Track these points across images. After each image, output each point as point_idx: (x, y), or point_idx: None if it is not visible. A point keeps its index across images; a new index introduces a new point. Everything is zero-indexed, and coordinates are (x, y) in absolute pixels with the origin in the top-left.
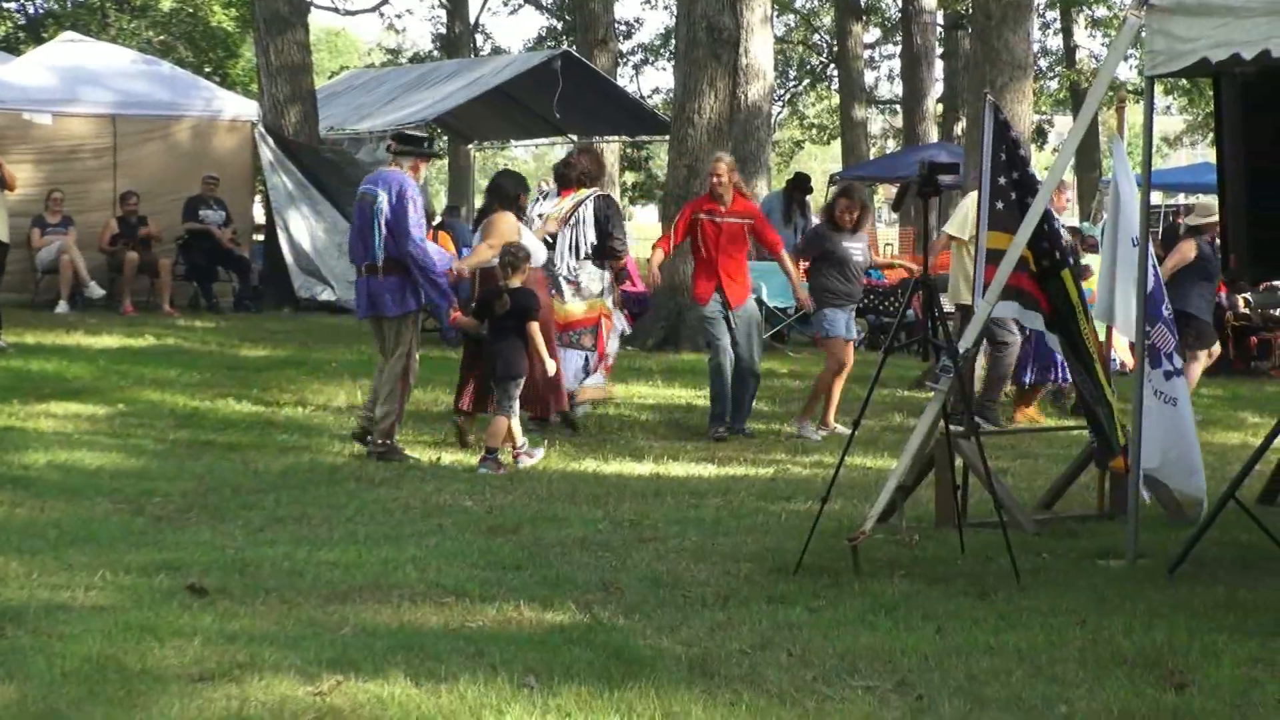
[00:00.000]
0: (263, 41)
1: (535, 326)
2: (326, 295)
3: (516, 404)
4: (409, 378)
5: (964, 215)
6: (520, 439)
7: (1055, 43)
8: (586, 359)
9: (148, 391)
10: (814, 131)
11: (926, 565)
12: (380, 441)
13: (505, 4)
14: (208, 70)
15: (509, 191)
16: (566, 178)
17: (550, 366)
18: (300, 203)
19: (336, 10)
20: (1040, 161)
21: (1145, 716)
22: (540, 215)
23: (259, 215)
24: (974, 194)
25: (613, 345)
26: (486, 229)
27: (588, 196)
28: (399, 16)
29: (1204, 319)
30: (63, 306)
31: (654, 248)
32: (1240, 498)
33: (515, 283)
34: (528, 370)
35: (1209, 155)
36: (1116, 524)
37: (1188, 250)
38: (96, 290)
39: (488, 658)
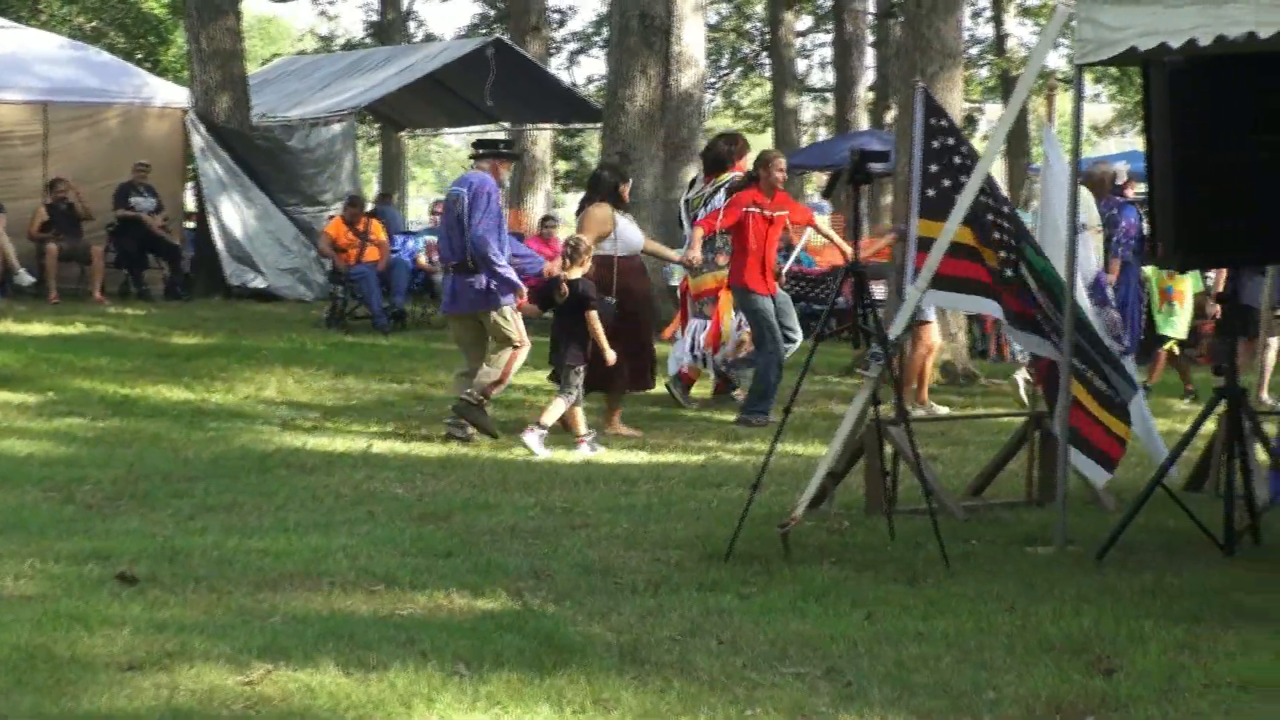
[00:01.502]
0: (194, 28)
1: (593, 315)
2: (258, 283)
3: (580, 391)
4: (518, 355)
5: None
6: (583, 428)
7: (986, 31)
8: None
9: (78, 379)
10: (747, 120)
11: (856, 552)
12: (477, 396)
13: None
14: (139, 57)
15: (608, 183)
16: (713, 162)
17: (610, 356)
18: (232, 190)
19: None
20: None
21: (1073, 702)
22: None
23: (190, 202)
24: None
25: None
26: (583, 220)
27: (726, 181)
28: (331, 3)
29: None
30: None
31: (695, 227)
32: (1167, 484)
33: (575, 274)
34: (587, 357)
35: (1138, 143)
36: (1045, 510)
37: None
38: (26, 278)
39: (418, 645)
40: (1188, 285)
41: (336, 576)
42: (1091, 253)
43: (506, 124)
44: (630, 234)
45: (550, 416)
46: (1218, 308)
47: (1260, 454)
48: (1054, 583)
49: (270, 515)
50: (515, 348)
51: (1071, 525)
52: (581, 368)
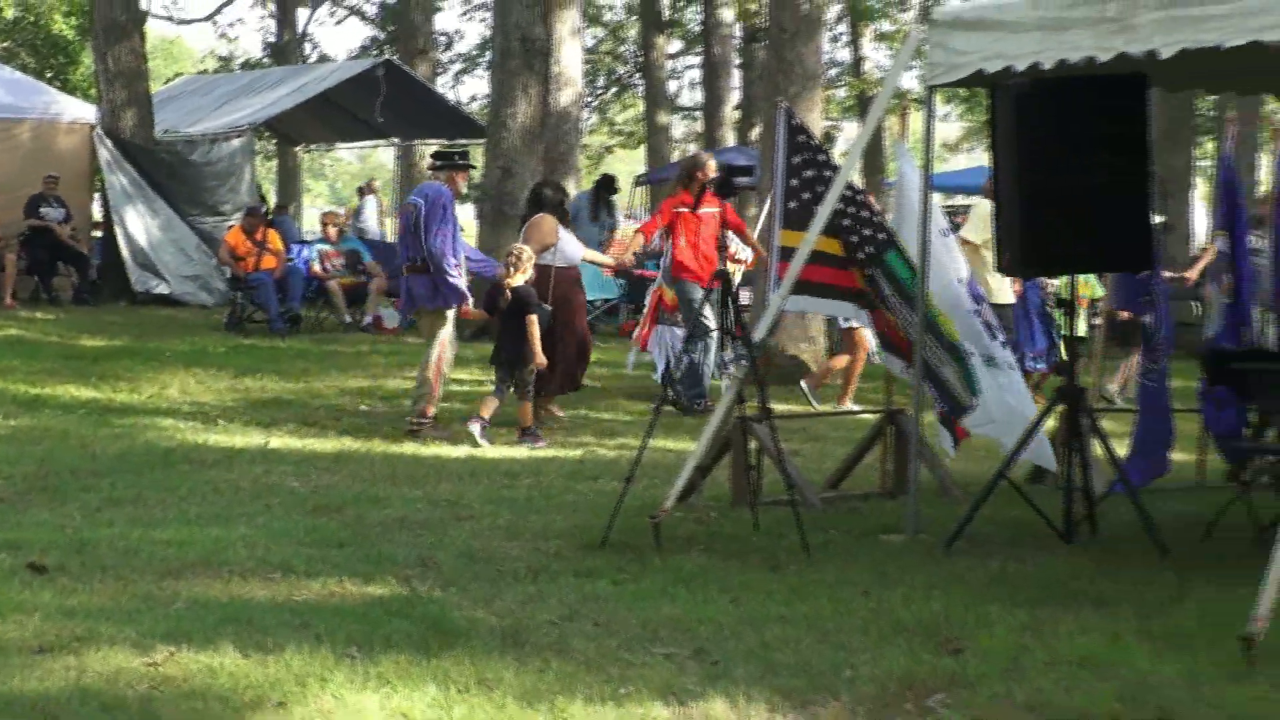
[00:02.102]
0: (101, 49)
1: (533, 320)
2: (161, 289)
3: (530, 388)
4: (442, 365)
5: (982, 220)
6: (530, 422)
7: (844, 54)
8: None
9: None
10: (621, 136)
11: (722, 541)
12: (413, 420)
13: (332, 15)
14: (49, 75)
15: (552, 200)
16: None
17: (541, 360)
18: (136, 201)
19: (171, 19)
20: None
21: (923, 680)
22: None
23: (97, 212)
24: (989, 201)
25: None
26: (529, 231)
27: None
28: (231, 26)
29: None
30: None
31: (635, 234)
32: (1011, 478)
33: (516, 281)
34: (534, 357)
35: (985, 159)
36: (897, 502)
37: None
38: None
39: (313, 629)
40: (1089, 290)
41: (236, 565)
42: (959, 255)
43: (396, 139)
44: (571, 246)
45: (525, 418)
46: (1102, 317)
47: (1097, 449)
48: (906, 569)
49: (173, 508)
50: (441, 350)
51: (922, 516)
52: (528, 366)
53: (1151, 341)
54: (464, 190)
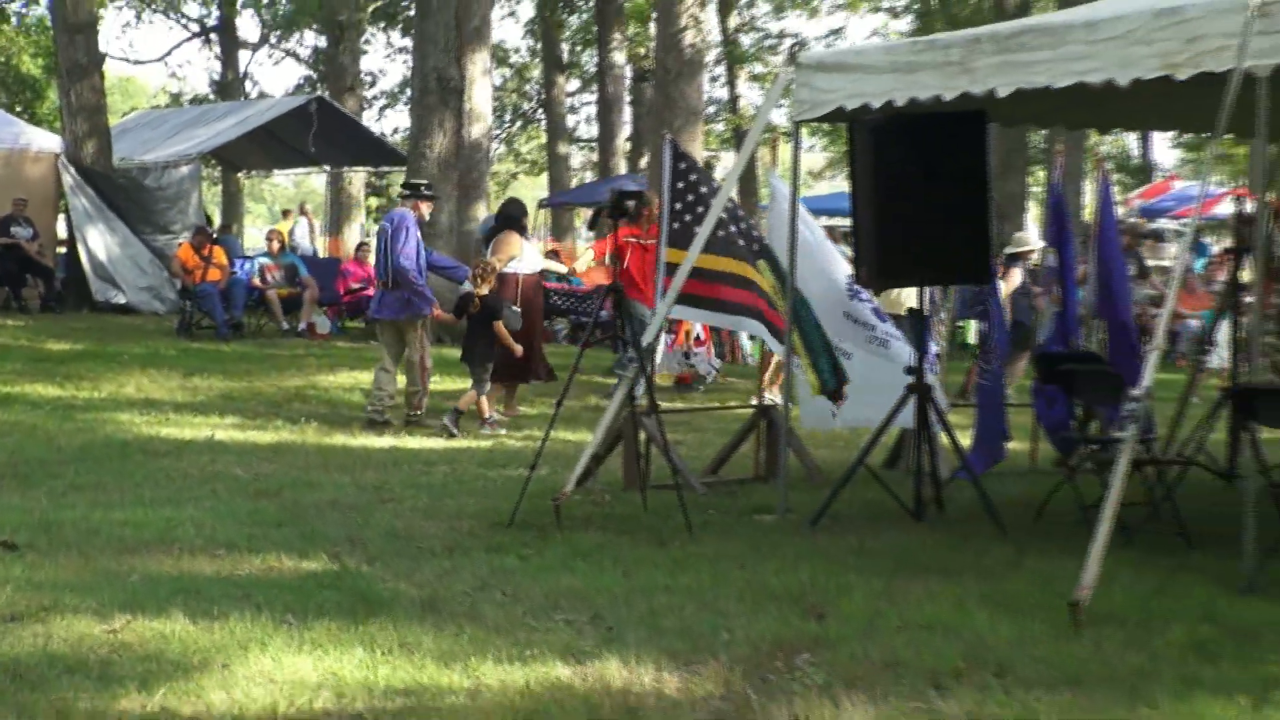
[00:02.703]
0: (65, 86)
1: (500, 324)
2: (119, 299)
3: (487, 385)
4: (425, 364)
5: None
6: (488, 412)
7: (722, 93)
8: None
9: None
10: (526, 165)
11: (616, 520)
12: (413, 412)
13: (270, 56)
14: (18, 110)
15: (514, 215)
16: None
17: (518, 350)
18: (96, 221)
19: (128, 60)
20: None
21: (791, 641)
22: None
23: (62, 231)
24: None
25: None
26: (495, 245)
27: None
28: (180, 66)
29: (1029, 326)
30: None
31: (587, 249)
32: (869, 464)
33: (484, 290)
34: (497, 357)
35: (845, 186)
36: (769, 486)
37: (1015, 276)
38: None
39: (253, 600)
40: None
41: (185, 543)
42: (839, 260)
43: (327, 167)
44: (531, 257)
45: (467, 403)
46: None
47: (943, 438)
48: (776, 544)
49: (129, 492)
50: (422, 361)
51: (791, 498)
52: (488, 365)
53: (986, 346)
54: (427, 216)
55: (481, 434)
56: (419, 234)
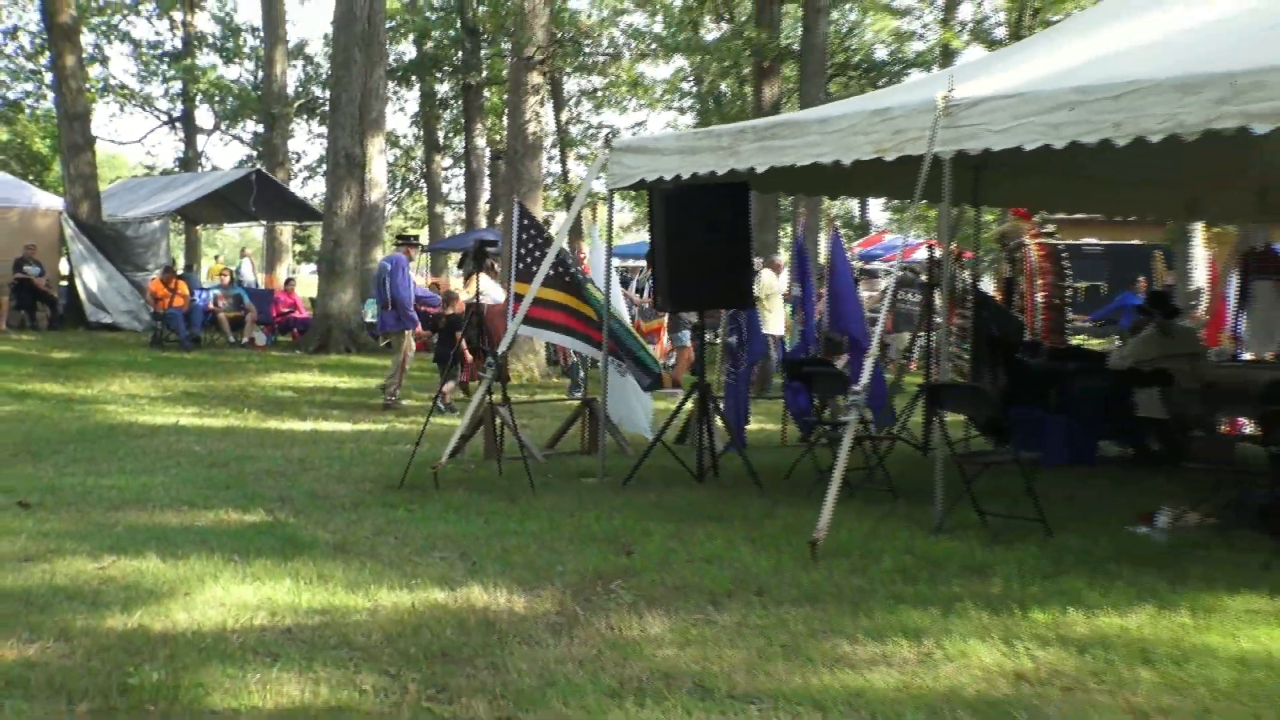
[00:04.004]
0: (66, 160)
1: (459, 335)
2: (107, 319)
3: (452, 383)
4: (405, 364)
5: (761, 283)
6: (448, 399)
7: (556, 168)
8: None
9: None
10: (411, 221)
11: (478, 483)
12: (389, 399)
13: (221, 139)
14: (29, 178)
15: (483, 260)
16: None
17: (467, 356)
18: (90, 261)
19: (114, 141)
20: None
21: (607, 571)
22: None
23: (64, 269)
24: (768, 270)
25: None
26: (466, 281)
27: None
28: (153, 146)
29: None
30: None
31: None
32: (664, 440)
33: (449, 312)
34: (464, 359)
35: (646, 237)
36: (592, 457)
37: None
38: None
39: (208, 544)
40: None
41: (157, 501)
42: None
43: (264, 221)
44: (495, 291)
45: (446, 395)
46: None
47: (718, 420)
48: (597, 500)
49: (115, 464)
50: (405, 357)
51: (608, 465)
52: (455, 366)
53: (735, 353)
54: (414, 258)
55: (439, 409)
56: (409, 271)
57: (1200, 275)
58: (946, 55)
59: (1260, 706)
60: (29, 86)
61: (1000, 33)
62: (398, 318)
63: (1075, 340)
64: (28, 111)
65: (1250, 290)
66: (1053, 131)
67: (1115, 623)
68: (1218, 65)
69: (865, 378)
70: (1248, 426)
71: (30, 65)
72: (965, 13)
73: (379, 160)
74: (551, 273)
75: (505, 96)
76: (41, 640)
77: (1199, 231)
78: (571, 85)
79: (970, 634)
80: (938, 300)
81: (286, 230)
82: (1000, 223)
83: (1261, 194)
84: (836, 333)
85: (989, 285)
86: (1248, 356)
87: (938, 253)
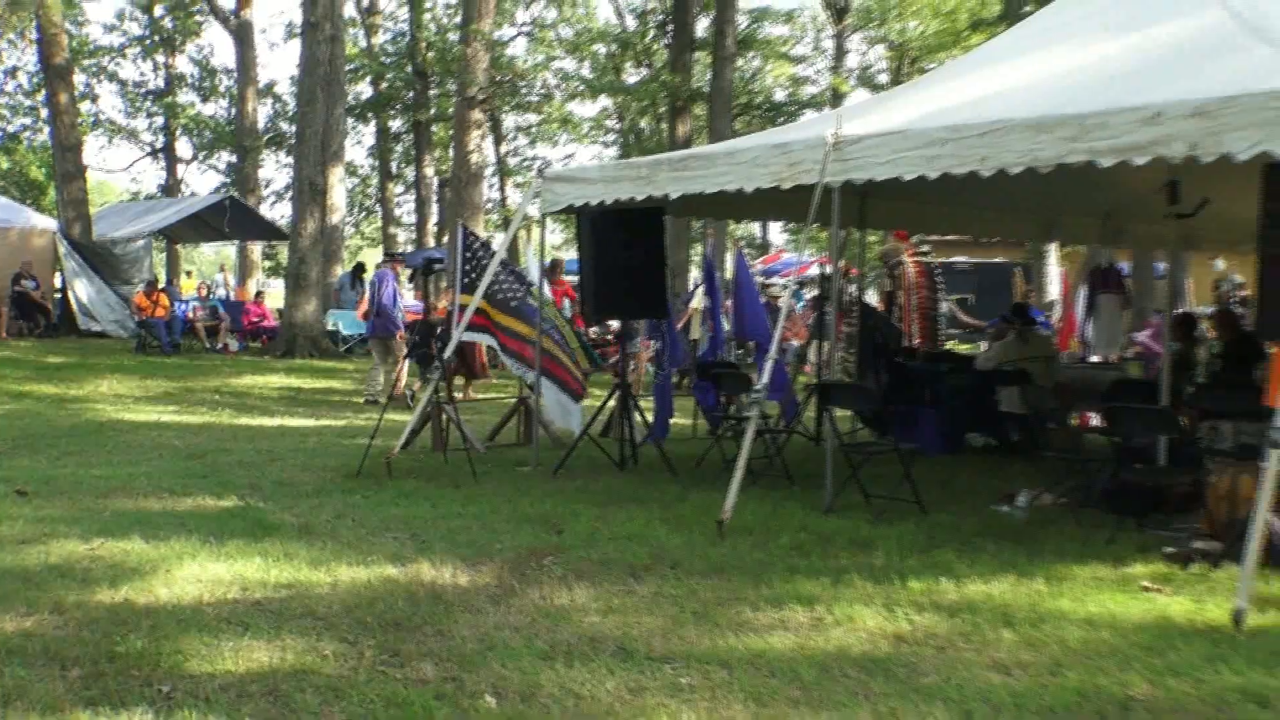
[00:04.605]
0: (60, 186)
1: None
2: (97, 328)
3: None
4: (401, 365)
5: (696, 298)
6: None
7: (496, 195)
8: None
9: None
10: (368, 241)
11: (426, 472)
12: (397, 395)
13: (199, 168)
14: (28, 201)
15: (429, 269)
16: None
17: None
18: (81, 276)
19: (103, 170)
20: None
21: (540, 548)
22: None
23: (57, 282)
24: (697, 296)
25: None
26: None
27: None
28: (138, 174)
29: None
30: None
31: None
32: (589, 433)
33: (433, 320)
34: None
35: (575, 253)
36: (526, 448)
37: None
38: None
39: (187, 527)
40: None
41: (140, 490)
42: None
43: (236, 241)
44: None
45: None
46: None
47: (638, 416)
48: (531, 486)
49: (103, 456)
50: (398, 362)
51: (541, 455)
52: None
53: (660, 357)
54: (401, 271)
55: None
56: (395, 284)
57: (1054, 289)
58: (836, 97)
59: (1104, 661)
60: (27, 121)
61: (883, 78)
62: (384, 324)
63: (947, 345)
64: (25, 143)
65: (1096, 302)
66: (927, 164)
67: (981, 590)
68: (1068, 108)
69: (765, 377)
70: (1094, 419)
71: (28, 101)
72: (853, 60)
73: (339, 187)
74: (494, 288)
75: (451, 131)
76: (37, 613)
77: (1053, 251)
78: (509, 122)
79: (856, 601)
80: (828, 310)
81: (257, 249)
82: (882, 243)
83: (1106, 219)
84: (743, 339)
85: (873, 297)
86: (1094, 359)
87: (829, 269)
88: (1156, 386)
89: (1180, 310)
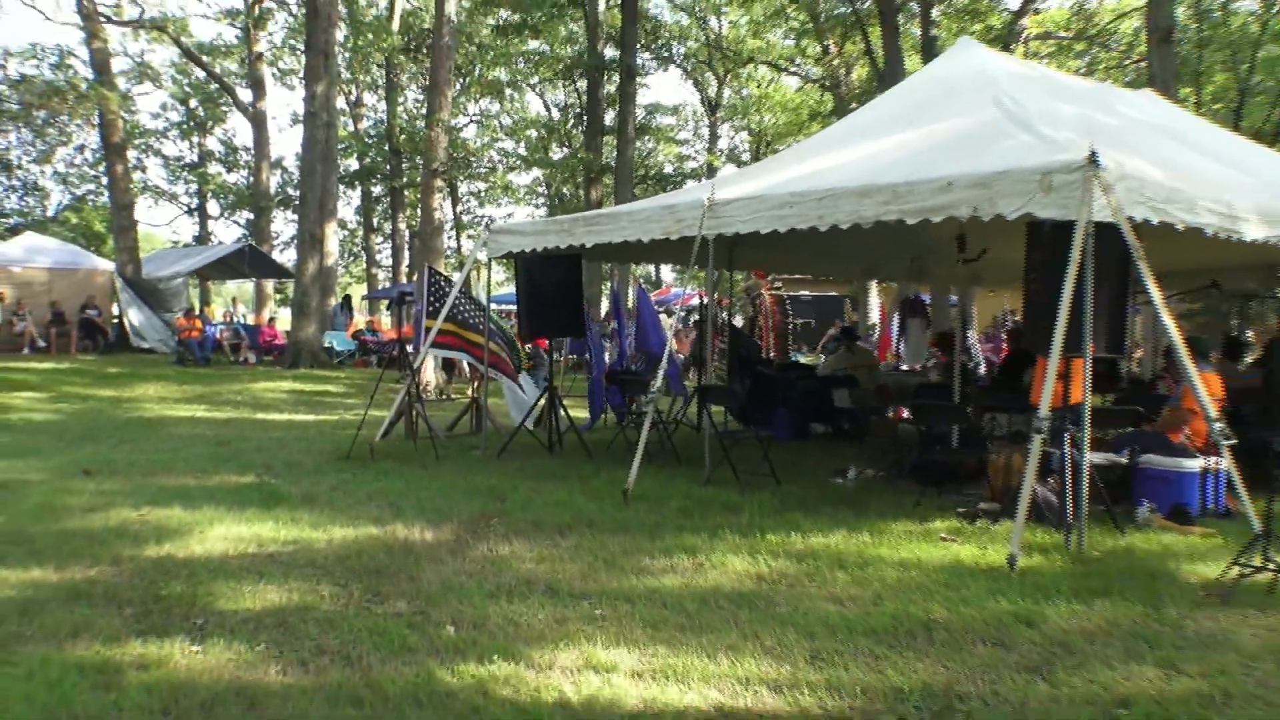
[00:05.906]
0: (116, 237)
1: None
2: (146, 346)
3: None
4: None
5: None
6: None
7: (454, 244)
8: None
9: (65, 386)
10: (355, 278)
11: (403, 455)
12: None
13: (224, 223)
14: (91, 248)
15: (402, 300)
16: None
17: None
18: (134, 306)
19: (150, 224)
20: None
21: (487, 513)
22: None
23: (115, 311)
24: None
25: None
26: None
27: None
28: (178, 228)
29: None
30: (26, 350)
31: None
32: (526, 425)
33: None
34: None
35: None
36: (478, 436)
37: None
38: (40, 342)
39: (216, 498)
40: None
41: (180, 469)
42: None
43: (254, 278)
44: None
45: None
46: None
47: (563, 412)
48: (481, 466)
49: (150, 445)
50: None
51: (490, 441)
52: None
53: (586, 364)
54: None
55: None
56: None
57: (874, 314)
58: (711, 170)
59: (913, 594)
60: (91, 186)
61: (745, 156)
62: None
63: (796, 357)
64: (90, 203)
65: (905, 325)
66: (779, 221)
67: (821, 541)
68: (884, 179)
69: (658, 383)
70: (906, 413)
71: (92, 171)
72: (723, 143)
73: (333, 238)
74: (454, 312)
75: (419, 195)
76: (99, 565)
77: (874, 286)
78: (464, 188)
79: (728, 551)
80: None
81: (269, 284)
82: (746, 280)
83: (913, 262)
84: (643, 352)
85: (739, 321)
86: (904, 368)
87: (706, 299)
88: (950, 388)
89: (947, 329)
